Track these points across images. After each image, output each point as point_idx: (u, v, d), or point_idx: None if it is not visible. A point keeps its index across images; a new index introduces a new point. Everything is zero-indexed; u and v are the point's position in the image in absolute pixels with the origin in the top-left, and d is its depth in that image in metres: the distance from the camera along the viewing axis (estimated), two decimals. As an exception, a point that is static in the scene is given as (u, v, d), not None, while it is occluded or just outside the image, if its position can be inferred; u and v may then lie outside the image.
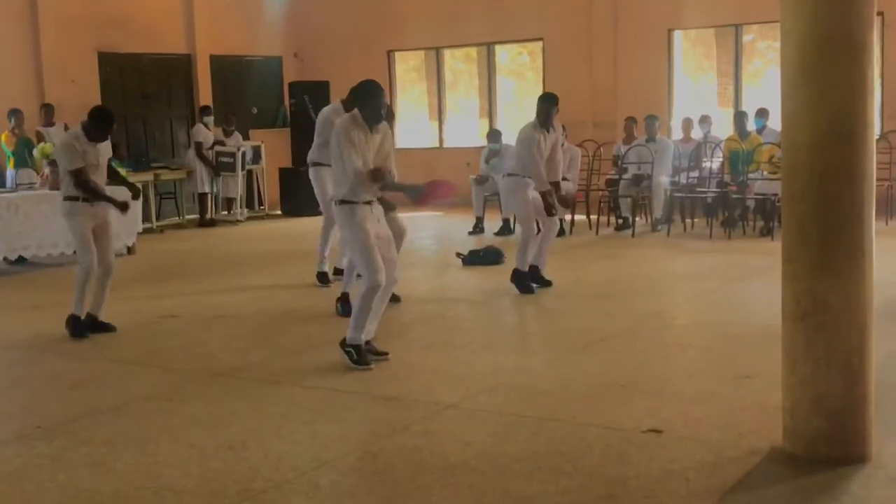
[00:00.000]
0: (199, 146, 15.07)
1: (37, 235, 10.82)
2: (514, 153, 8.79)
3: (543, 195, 8.36)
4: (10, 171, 12.92)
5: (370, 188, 6.22)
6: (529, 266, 8.62)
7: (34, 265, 11.36)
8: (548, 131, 8.49)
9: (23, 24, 14.34)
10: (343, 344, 6.30)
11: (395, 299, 8.22)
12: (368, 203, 6.25)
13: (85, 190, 7.49)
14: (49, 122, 13.68)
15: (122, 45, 15.43)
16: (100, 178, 7.63)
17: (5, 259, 10.92)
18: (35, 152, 11.84)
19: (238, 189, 15.19)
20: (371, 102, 6.21)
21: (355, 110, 6.29)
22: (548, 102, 8.52)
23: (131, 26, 15.45)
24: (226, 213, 15.39)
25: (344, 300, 7.82)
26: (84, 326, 7.61)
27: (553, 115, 8.55)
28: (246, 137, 16.46)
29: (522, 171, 8.50)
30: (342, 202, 6.22)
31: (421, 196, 6.52)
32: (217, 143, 15.22)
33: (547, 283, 8.77)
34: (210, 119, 15.18)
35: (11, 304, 9.31)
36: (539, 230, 8.70)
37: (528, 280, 8.60)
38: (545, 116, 8.46)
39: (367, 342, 6.36)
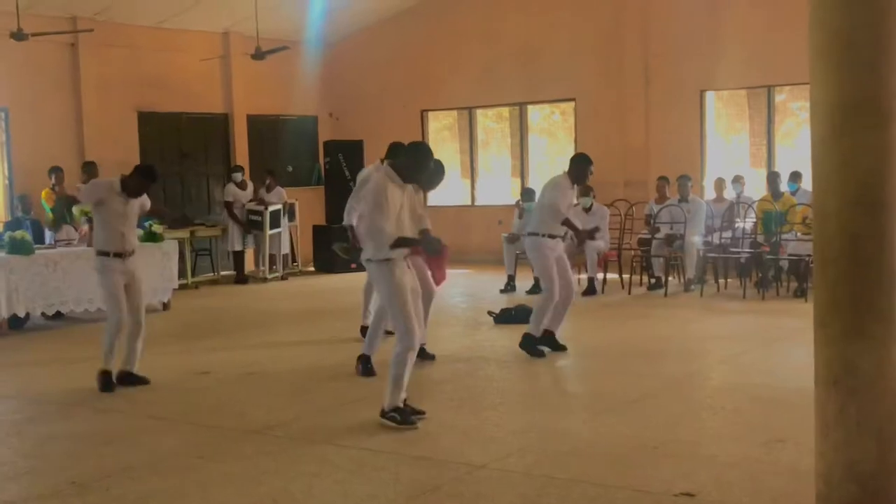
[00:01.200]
0: (228, 205, 15.31)
1: (74, 291, 10.99)
2: (539, 206, 8.80)
3: (568, 224, 8.43)
4: (48, 229, 13.12)
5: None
6: (544, 331, 8.60)
7: (71, 320, 11.51)
8: (573, 189, 8.61)
9: (65, 83, 14.68)
10: (383, 412, 6.31)
11: (428, 357, 8.28)
12: (404, 259, 6.31)
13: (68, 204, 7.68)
14: (86, 182, 13.89)
15: (161, 104, 15.75)
16: (126, 228, 7.73)
17: (43, 314, 11.09)
18: (74, 210, 12.02)
19: (266, 246, 15.27)
20: (420, 166, 6.36)
21: (388, 166, 6.33)
22: (580, 162, 8.61)
23: (170, 86, 15.78)
24: (263, 269, 15.51)
25: (365, 361, 7.86)
26: (113, 381, 7.70)
27: (584, 177, 8.64)
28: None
29: (543, 229, 8.53)
30: (380, 259, 6.25)
31: (439, 250, 6.52)
32: (257, 200, 15.37)
33: (561, 348, 8.70)
34: (239, 176, 15.41)
35: (48, 359, 9.43)
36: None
37: (539, 344, 8.58)
38: (581, 176, 8.55)
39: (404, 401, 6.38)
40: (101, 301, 8.23)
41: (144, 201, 8.02)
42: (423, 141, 6.61)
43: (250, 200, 15.35)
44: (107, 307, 7.86)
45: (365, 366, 7.86)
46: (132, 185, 7.74)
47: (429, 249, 6.50)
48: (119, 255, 7.70)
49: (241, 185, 15.49)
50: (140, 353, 7.94)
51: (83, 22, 14.09)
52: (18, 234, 11.06)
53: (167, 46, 15.68)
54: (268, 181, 15.57)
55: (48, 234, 12.86)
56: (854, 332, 4.27)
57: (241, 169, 15.62)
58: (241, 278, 15.27)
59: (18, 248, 10.80)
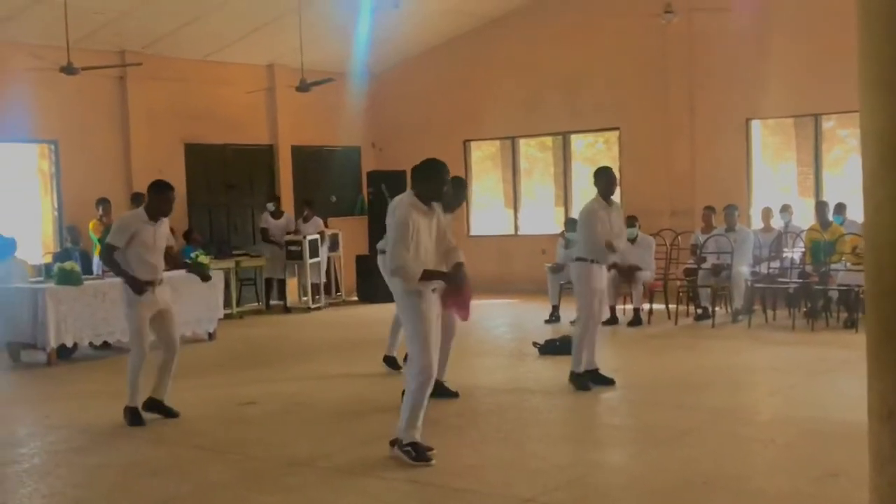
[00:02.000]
0: (263, 232, 15.61)
1: (121, 321, 10.99)
2: (578, 231, 8.76)
3: (615, 267, 8.35)
4: (96, 259, 13.29)
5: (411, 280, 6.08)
6: (586, 371, 8.51)
7: (118, 350, 11.59)
8: (609, 205, 8.52)
9: (114, 117, 14.89)
10: (399, 444, 6.20)
11: (451, 394, 8.07)
12: (434, 290, 6.19)
13: (107, 263, 7.73)
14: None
15: (207, 136, 15.93)
16: (155, 258, 7.76)
17: (91, 344, 11.20)
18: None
19: (308, 276, 15.38)
20: (433, 181, 6.17)
21: (412, 193, 6.18)
22: (603, 175, 8.57)
23: (216, 118, 15.97)
24: (306, 299, 15.60)
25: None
26: (141, 416, 7.69)
27: (613, 187, 8.56)
28: (324, 225, 16.75)
29: (589, 255, 8.48)
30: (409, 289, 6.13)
31: (462, 285, 6.18)
32: (294, 231, 15.55)
33: (609, 382, 8.55)
34: (271, 206, 15.70)
35: (96, 390, 9.51)
36: (616, 318, 8.63)
37: (585, 380, 8.49)
38: (608, 189, 8.50)
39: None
40: (127, 335, 8.18)
41: (166, 228, 8.04)
42: (434, 158, 6.43)
43: (288, 232, 15.49)
44: (131, 342, 7.84)
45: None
46: (155, 205, 7.75)
47: (453, 283, 6.18)
48: (149, 283, 7.71)
49: (275, 215, 15.69)
50: (169, 381, 7.92)
51: (132, 55, 14.32)
52: (67, 265, 11.21)
53: (213, 79, 15.89)
54: (305, 212, 15.72)
55: (96, 265, 13.03)
56: (909, 366, 4.18)
57: (275, 199, 15.85)
58: (284, 308, 15.38)
59: (67, 278, 10.95)
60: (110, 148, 14.85)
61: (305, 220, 15.72)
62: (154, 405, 7.84)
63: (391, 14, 14.87)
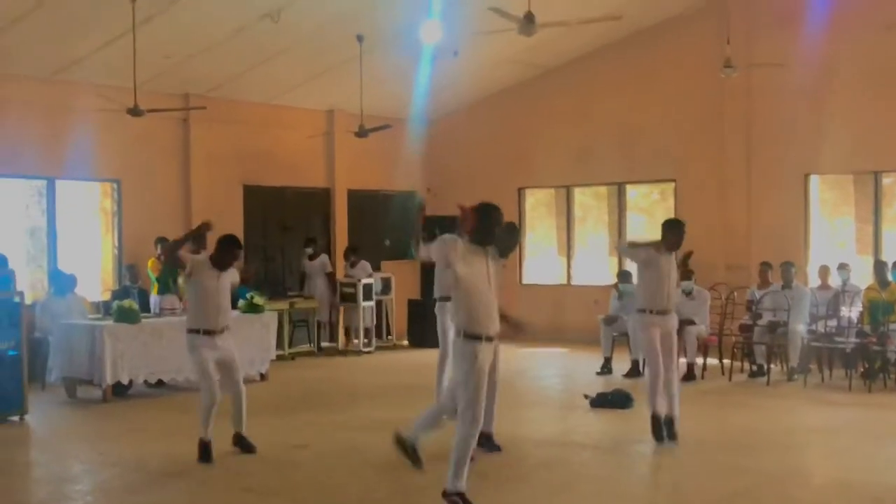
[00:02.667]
0: (302, 276, 16.01)
1: (177, 360, 11.17)
2: (641, 281, 8.74)
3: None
4: (153, 297, 13.50)
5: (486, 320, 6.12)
6: (665, 417, 8.44)
7: (173, 388, 11.74)
8: (669, 254, 8.52)
9: (176, 158, 15.17)
10: (446, 494, 6.18)
11: (494, 448, 7.96)
12: (490, 340, 6.16)
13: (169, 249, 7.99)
14: (197, 251, 14.26)
15: (266, 178, 16.17)
16: (218, 305, 7.92)
17: (145, 382, 11.34)
18: (179, 280, 12.35)
19: (360, 319, 15.51)
20: (491, 224, 6.17)
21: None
22: (669, 227, 8.62)
23: (275, 161, 16.21)
24: (357, 342, 15.68)
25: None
26: (210, 453, 7.86)
27: (681, 241, 8.56)
28: (377, 269, 16.86)
29: (650, 305, 8.44)
30: (466, 336, 6.11)
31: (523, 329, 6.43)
32: (329, 274, 15.94)
33: (673, 437, 8.44)
34: (309, 250, 16.03)
35: (148, 428, 9.62)
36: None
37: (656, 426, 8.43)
38: (675, 241, 8.53)
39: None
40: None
41: (234, 276, 8.22)
42: (488, 201, 6.42)
43: (327, 273, 15.90)
44: (200, 383, 8.02)
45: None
46: (220, 256, 7.98)
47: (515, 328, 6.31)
48: (209, 332, 7.88)
49: (312, 257, 15.94)
50: (245, 416, 8.17)
51: (196, 99, 14.63)
52: (126, 302, 11.39)
53: (274, 122, 16.15)
54: (351, 258, 15.88)
55: (153, 303, 13.23)
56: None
57: (312, 242, 16.17)
58: (336, 350, 15.52)
59: (125, 316, 11.12)
60: (171, 188, 15.12)
61: (353, 265, 15.83)
62: (236, 439, 8.15)
63: (449, 62, 15.02)
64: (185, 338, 8.01)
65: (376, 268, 17.02)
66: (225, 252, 7.98)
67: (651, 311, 8.46)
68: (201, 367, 7.88)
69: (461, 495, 6.14)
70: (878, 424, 9.40)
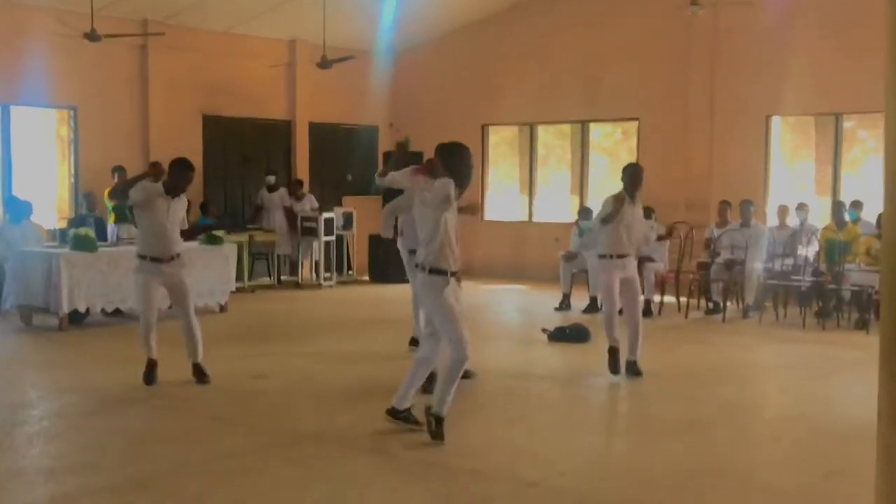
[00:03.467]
0: (257, 208, 15.77)
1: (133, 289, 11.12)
2: (597, 227, 8.79)
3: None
4: (110, 226, 13.36)
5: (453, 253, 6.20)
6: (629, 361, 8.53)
7: (130, 318, 11.62)
8: (633, 200, 8.54)
9: (134, 86, 14.90)
10: (428, 410, 6.25)
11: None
12: (455, 275, 6.21)
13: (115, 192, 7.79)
14: (156, 181, 14.08)
15: (225, 108, 15.95)
16: (167, 230, 7.83)
17: (103, 311, 11.26)
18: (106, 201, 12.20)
19: (321, 253, 15.51)
20: (467, 166, 6.23)
21: (449, 180, 6.14)
22: (630, 172, 8.62)
23: (236, 92, 15.97)
24: (316, 275, 15.66)
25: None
26: (154, 373, 7.94)
27: (639, 185, 8.58)
28: (339, 204, 16.79)
29: (613, 249, 8.48)
30: (431, 271, 6.17)
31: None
32: (286, 208, 15.67)
33: (636, 373, 8.49)
34: (272, 179, 15.73)
35: (107, 356, 9.58)
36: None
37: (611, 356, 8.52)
38: (634, 185, 8.55)
39: (408, 410, 6.45)
40: (167, 300, 8.36)
41: (184, 204, 8.13)
42: (456, 142, 6.40)
43: (285, 206, 15.65)
44: (137, 306, 8.12)
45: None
46: (174, 181, 7.88)
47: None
48: (156, 259, 7.84)
49: (272, 188, 15.77)
50: (199, 346, 8.11)
51: (154, 25, 14.33)
52: (82, 231, 11.26)
53: (235, 52, 15.88)
54: (298, 191, 15.78)
55: (110, 232, 13.10)
56: (922, 368, 4.18)
57: (274, 172, 15.93)
58: (295, 284, 15.51)
59: (82, 244, 11.00)
60: (129, 116, 14.88)
61: (299, 198, 15.72)
62: (195, 369, 8.07)
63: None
64: (133, 263, 8.03)
65: (338, 202, 16.95)
66: (178, 177, 7.88)
67: (611, 256, 8.50)
68: (140, 291, 7.95)
69: (439, 420, 6.19)
70: (831, 361, 9.57)
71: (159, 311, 8.23)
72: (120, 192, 8.21)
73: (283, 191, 15.87)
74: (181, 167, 7.91)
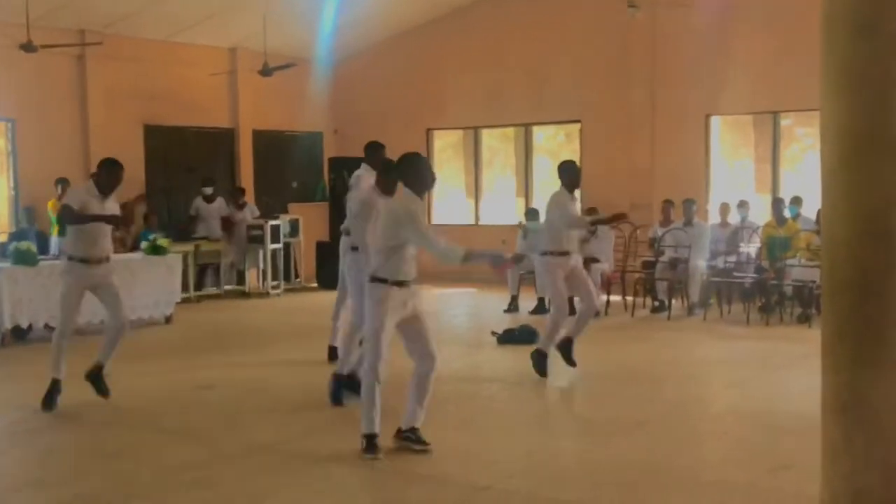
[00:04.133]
0: (191, 220, 15.31)
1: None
2: (547, 224, 8.82)
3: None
4: (53, 239, 13.16)
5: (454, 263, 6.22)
6: (564, 337, 8.62)
7: (74, 333, 11.47)
8: (573, 198, 8.66)
9: (73, 97, 14.70)
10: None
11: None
12: (404, 284, 6.15)
13: (67, 217, 7.57)
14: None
15: (167, 118, 15.79)
16: (98, 232, 7.63)
17: (46, 326, 11.05)
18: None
19: (267, 261, 15.37)
20: (424, 175, 6.30)
21: (406, 189, 6.23)
22: (568, 169, 8.70)
23: (177, 100, 15.82)
24: (263, 284, 15.55)
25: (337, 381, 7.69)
26: (57, 393, 7.62)
27: (577, 181, 8.70)
28: (285, 211, 16.70)
29: (554, 247, 8.54)
30: (377, 279, 6.14)
31: (502, 263, 6.41)
32: (224, 218, 15.35)
33: (571, 363, 8.68)
34: (208, 190, 15.36)
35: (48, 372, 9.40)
36: (575, 310, 8.71)
37: (560, 348, 8.62)
38: (574, 181, 8.65)
39: (413, 429, 6.26)
40: (57, 306, 8.02)
41: (115, 205, 7.98)
42: (413, 152, 6.46)
43: (222, 217, 15.30)
44: (59, 312, 7.78)
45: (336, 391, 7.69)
46: (104, 179, 7.71)
47: (497, 262, 6.39)
48: (85, 261, 7.64)
49: (209, 199, 15.41)
50: (114, 351, 7.83)
51: (92, 35, 14.14)
52: (24, 245, 11.07)
53: (175, 60, 15.73)
54: (239, 200, 15.51)
55: (53, 245, 12.90)
56: (862, 361, 4.28)
57: (211, 182, 15.52)
58: (242, 293, 15.37)
59: (23, 259, 10.82)
60: (68, 127, 14.67)
61: (240, 207, 15.52)
62: (92, 373, 7.72)
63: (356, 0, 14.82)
64: (62, 265, 7.81)
65: (283, 210, 16.85)
66: (109, 174, 7.69)
67: (553, 253, 8.57)
68: (66, 294, 7.66)
69: (367, 437, 6.11)
70: (775, 356, 9.72)
71: (89, 326, 7.99)
72: (73, 220, 7.88)
73: (220, 200, 15.52)
74: (111, 166, 7.73)
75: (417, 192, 6.24)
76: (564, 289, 8.59)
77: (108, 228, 7.78)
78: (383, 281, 6.08)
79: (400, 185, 6.38)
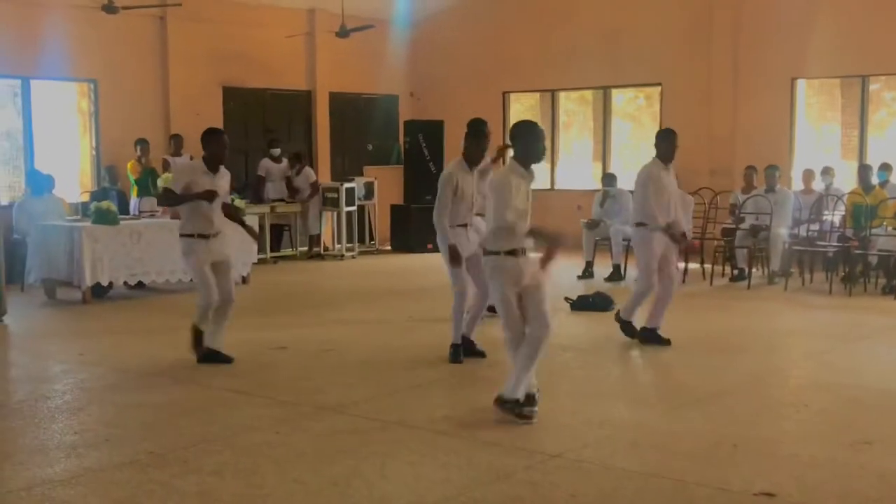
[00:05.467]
0: (259, 180, 15.28)
1: (156, 262, 11.16)
2: (636, 198, 8.61)
3: (670, 235, 8.23)
4: (133, 199, 13.38)
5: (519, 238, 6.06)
6: (645, 328, 8.46)
7: (152, 290, 11.70)
8: (667, 168, 8.37)
9: (154, 57, 14.88)
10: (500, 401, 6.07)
11: (480, 355, 7.98)
12: (514, 253, 6.06)
13: (165, 200, 7.99)
14: (177, 153, 14.13)
15: (245, 80, 15.89)
16: (212, 206, 7.67)
17: (125, 284, 11.26)
18: (159, 181, 12.21)
19: (342, 224, 15.40)
20: (533, 146, 6.08)
21: (512, 161, 6.09)
22: (670, 138, 8.40)
23: (255, 62, 15.90)
24: (339, 246, 15.62)
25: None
26: (202, 341, 7.81)
27: (674, 151, 8.40)
28: (360, 174, 16.74)
29: (648, 220, 8.33)
30: (489, 252, 6.09)
31: (559, 243, 6.13)
32: (287, 178, 15.36)
33: (664, 342, 8.44)
34: (277, 151, 15.36)
35: (130, 329, 9.60)
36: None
37: (643, 335, 8.47)
38: (669, 153, 8.35)
39: (519, 400, 6.09)
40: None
41: (227, 179, 7.97)
42: (527, 120, 6.32)
43: (286, 176, 15.33)
44: (199, 288, 7.84)
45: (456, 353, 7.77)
46: (211, 153, 7.67)
47: (554, 243, 6.13)
48: (203, 236, 7.71)
49: (278, 160, 15.42)
50: (224, 330, 7.95)
51: (172, -5, 14.27)
52: (104, 204, 11.26)
53: (253, 22, 15.80)
54: (297, 165, 15.44)
55: (133, 205, 13.11)
56: (953, 336, 4.10)
57: (278, 143, 15.49)
58: (317, 255, 15.45)
59: (104, 218, 11.00)
60: (149, 88, 14.86)
61: (298, 173, 15.48)
62: (209, 355, 7.80)
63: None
64: (179, 243, 7.82)
65: (359, 172, 16.90)
66: (214, 146, 7.70)
67: (645, 226, 8.35)
68: (197, 270, 7.71)
69: (515, 401, 6.02)
70: (858, 327, 9.45)
71: (180, 283, 8.09)
72: (173, 202, 7.96)
73: (285, 162, 15.55)
74: (213, 136, 7.71)
75: (523, 164, 6.06)
76: (656, 264, 8.36)
77: (219, 202, 7.77)
78: (496, 253, 6.04)
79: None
